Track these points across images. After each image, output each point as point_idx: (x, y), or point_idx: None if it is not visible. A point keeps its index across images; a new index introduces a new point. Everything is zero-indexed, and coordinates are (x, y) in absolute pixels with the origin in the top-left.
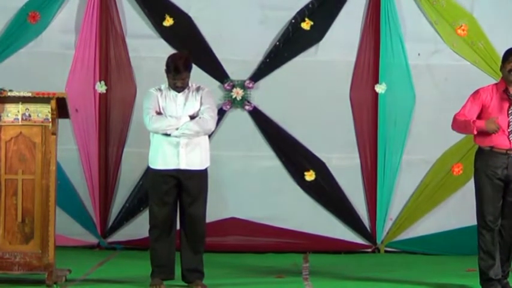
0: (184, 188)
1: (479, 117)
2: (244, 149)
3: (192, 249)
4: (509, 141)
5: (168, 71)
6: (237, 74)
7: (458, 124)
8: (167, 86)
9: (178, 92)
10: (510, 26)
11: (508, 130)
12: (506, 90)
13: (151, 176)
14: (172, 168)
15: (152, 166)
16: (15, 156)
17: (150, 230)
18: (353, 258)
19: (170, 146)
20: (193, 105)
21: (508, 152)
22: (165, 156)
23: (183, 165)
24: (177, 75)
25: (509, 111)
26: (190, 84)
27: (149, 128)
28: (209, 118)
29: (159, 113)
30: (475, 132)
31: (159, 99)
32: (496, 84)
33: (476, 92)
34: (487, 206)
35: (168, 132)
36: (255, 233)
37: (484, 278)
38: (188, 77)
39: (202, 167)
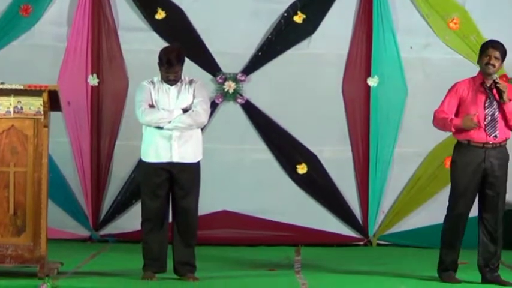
0: (176, 181)
1: (457, 110)
2: (236, 142)
3: (184, 242)
4: (486, 134)
5: (160, 64)
6: (229, 67)
7: (438, 121)
8: (160, 79)
9: (171, 85)
10: (502, 19)
11: (485, 123)
12: (483, 83)
13: (144, 168)
14: (165, 161)
15: (145, 159)
16: (7, 149)
17: (142, 223)
18: (345, 251)
19: (163, 139)
20: (186, 98)
21: (485, 145)
22: (157, 149)
23: (176, 158)
24: (169, 68)
25: (486, 104)
26: (183, 77)
27: (142, 121)
28: (202, 111)
29: (151, 106)
30: (453, 130)
31: (152, 92)
32: (473, 77)
33: (454, 86)
34: (459, 199)
35: (161, 125)
36: (247, 226)
37: (442, 268)
38: (181, 70)
39: (195, 160)
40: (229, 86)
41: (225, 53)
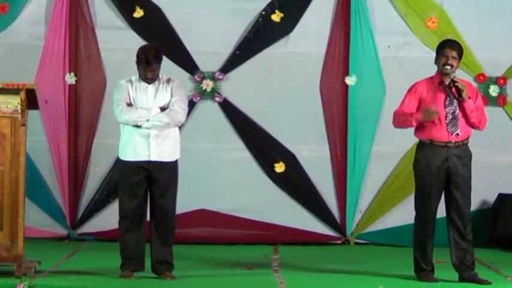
0: (154, 180)
1: (417, 110)
2: (214, 140)
3: (161, 241)
4: (448, 133)
5: (138, 62)
6: (207, 66)
7: (398, 119)
8: (138, 77)
9: (149, 83)
10: (479, 18)
11: (446, 122)
12: (441, 82)
13: (122, 167)
14: (143, 160)
15: (122, 158)
16: None
17: (119, 222)
18: (323, 250)
19: (141, 137)
20: (163, 97)
21: (448, 144)
22: (135, 148)
23: (154, 157)
24: (147, 66)
25: (446, 103)
26: (160, 76)
27: (120, 120)
28: (180, 110)
29: (129, 105)
30: (414, 124)
31: (130, 91)
32: (431, 77)
33: (413, 86)
34: (426, 199)
35: (139, 124)
36: (225, 225)
37: (419, 268)
38: (159, 68)
39: (173, 159)
40: (207, 84)
41: (203, 51)
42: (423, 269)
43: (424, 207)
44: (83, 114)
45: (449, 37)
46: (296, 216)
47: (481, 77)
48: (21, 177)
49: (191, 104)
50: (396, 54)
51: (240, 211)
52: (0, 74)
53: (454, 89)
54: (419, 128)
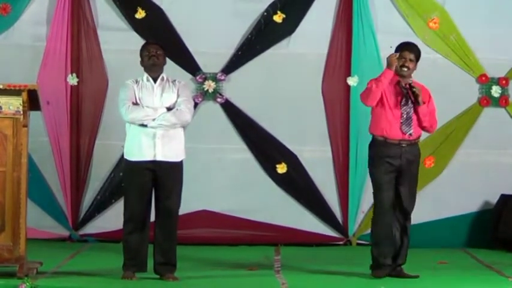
0: (159, 181)
1: (375, 110)
2: (216, 141)
3: (165, 242)
4: (401, 132)
5: (142, 51)
6: (209, 67)
7: (366, 91)
8: (143, 78)
9: (155, 73)
10: (481, 19)
11: (400, 121)
12: (399, 83)
13: (127, 167)
14: (149, 160)
15: (128, 158)
16: None
17: (124, 223)
18: (325, 250)
19: (146, 137)
20: (170, 97)
21: (401, 142)
22: (141, 148)
23: (159, 157)
24: (150, 46)
25: (402, 103)
26: (165, 76)
27: (126, 119)
28: (186, 110)
29: (135, 104)
30: (382, 79)
31: (136, 90)
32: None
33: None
34: (382, 195)
35: (145, 123)
36: (227, 226)
37: (376, 264)
38: (162, 56)
39: (178, 159)
40: (209, 85)
41: (205, 52)
42: (380, 265)
43: (382, 204)
44: (84, 115)
45: (451, 38)
46: (298, 217)
47: (483, 78)
48: (23, 178)
49: (193, 105)
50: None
51: (242, 212)
52: (2, 74)
53: (410, 93)
54: (374, 125)
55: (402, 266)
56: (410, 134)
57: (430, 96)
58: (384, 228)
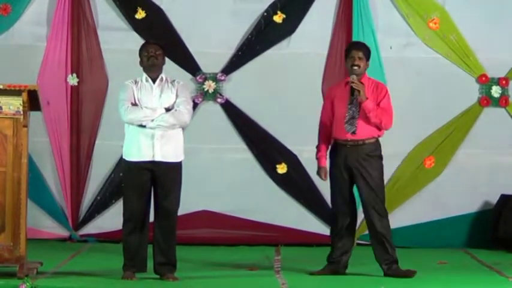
0: (158, 181)
1: (332, 110)
2: (216, 141)
3: (164, 243)
4: (345, 131)
5: (141, 51)
6: (209, 67)
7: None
8: (142, 78)
9: (153, 73)
10: (481, 19)
11: (345, 121)
12: (348, 82)
13: (126, 168)
14: (147, 160)
15: (127, 158)
16: None
17: (124, 223)
18: (325, 251)
19: (145, 137)
20: (168, 97)
21: (347, 142)
22: (139, 148)
23: (158, 157)
24: (149, 46)
25: (348, 102)
26: (165, 77)
27: (124, 119)
28: (185, 111)
29: (134, 105)
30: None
31: (135, 91)
32: (345, 78)
33: (327, 91)
34: (335, 195)
35: (144, 124)
36: (227, 226)
37: (329, 260)
38: (162, 56)
39: (177, 160)
40: (209, 85)
41: (205, 52)
42: (333, 261)
43: (333, 204)
44: (85, 115)
45: (451, 38)
46: (298, 217)
47: (483, 78)
48: (23, 179)
49: (193, 105)
50: (398, 55)
51: (242, 212)
52: (2, 75)
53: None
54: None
55: (396, 265)
56: (353, 133)
57: (385, 93)
58: (334, 227)
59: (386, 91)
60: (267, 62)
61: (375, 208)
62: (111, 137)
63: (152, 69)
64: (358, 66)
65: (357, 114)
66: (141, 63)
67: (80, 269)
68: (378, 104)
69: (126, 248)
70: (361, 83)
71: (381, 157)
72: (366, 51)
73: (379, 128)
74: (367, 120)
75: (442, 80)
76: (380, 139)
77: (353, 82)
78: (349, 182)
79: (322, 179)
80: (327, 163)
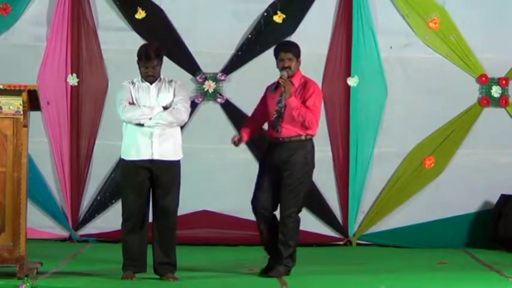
0: (157, 180)
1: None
2: (216, 141)
3: (164, 242)
4: (272, 129)
5: (139, 59)
6: (209, 67)
7: None
8: (140, 78)
9: (150, 82)
10: (482, 19)
11: (272, 119)
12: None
13: (125, 167)
14: (146, 159)
15: (125, 157)
16: None
17: (123, 223)
18: (325, 251)
19: (143, 136)
20: (166, 97)
21: (273, 140)
22: (138, 147)
23: (156, 156)
24: (147, 62)
25: (277, 101)
26: (162, 77)
27: (122, 118)
28: (183, 109)
29: (132, 104)
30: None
31: (132, 91)
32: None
33: (266, 88)
34: (257, 193)
35: (142, 122)
36: (227, 226)
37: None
38: (159, 65)
39: (176, 158)
40: (209, 85)
41: (205, 52)
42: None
43: (255, 203)
44: (84, 115)
45: (451, 38)
46: None
47: (483, 78)
48: (23, 179)
49: (193, 105)
50: (398, 55)
51: (242, 212)
52: (2, 75)
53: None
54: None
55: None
56: (277, 131)
57: (312, 92)
58: (262, 226)
59: (314, 90)
60: (267, 62)
61: (285, 214)
62: (111, 137)
63: (149, 80)
64: (289, 67)
65: (282, 113)
66: (138, 68)
67: (79, 269)
68: (304, 103)
69: (125, 247)
70: (291, 81)
71: (305, 156)
72: (295, 50)
73: (306, 127)
74: (292, 118)
75: (442, 80)
76: (380, 138)
77: (281, 78)
78: (276, 181)
79: (232, 140)
80: (246, 138)
